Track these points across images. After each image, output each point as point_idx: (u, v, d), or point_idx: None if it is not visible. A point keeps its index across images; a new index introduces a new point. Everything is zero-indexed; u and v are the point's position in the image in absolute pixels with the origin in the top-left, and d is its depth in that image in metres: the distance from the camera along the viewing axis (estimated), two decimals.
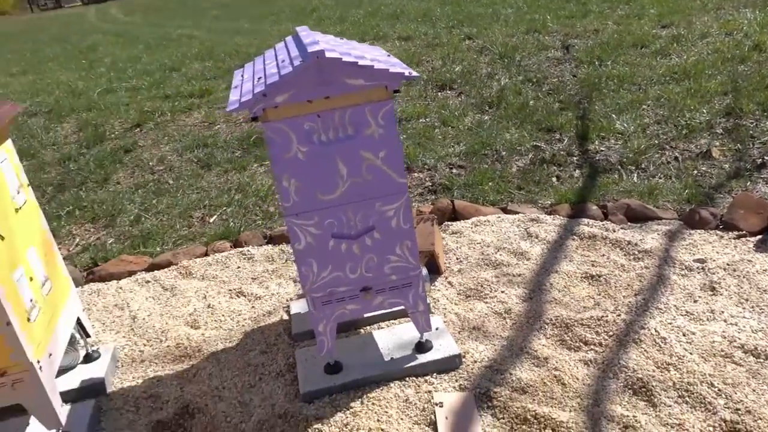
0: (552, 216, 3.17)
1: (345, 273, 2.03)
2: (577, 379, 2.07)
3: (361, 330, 2.44)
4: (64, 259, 2.39)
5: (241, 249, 3.25)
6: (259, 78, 1.90)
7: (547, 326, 2.34)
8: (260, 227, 3.52)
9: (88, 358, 2.37)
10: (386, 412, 2.00)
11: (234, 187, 4.07)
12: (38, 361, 1.88)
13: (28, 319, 1.90)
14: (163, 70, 7.87)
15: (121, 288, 3.00)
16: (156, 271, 3.13)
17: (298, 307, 2.62)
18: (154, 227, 3.65)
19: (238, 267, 3.08)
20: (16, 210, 2.02)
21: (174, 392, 2.24)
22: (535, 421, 1.90)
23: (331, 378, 2.15)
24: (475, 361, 2.19)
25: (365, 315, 2.31)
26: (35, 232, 2.14)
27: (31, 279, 1.99)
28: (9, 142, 2.13)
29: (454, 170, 3.88)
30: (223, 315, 2.70)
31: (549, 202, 3.36)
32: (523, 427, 1.89)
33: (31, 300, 1.95)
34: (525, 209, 3.28)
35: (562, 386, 2.04)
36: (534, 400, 1.99)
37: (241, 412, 2.11)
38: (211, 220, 3.70)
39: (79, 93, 7.09)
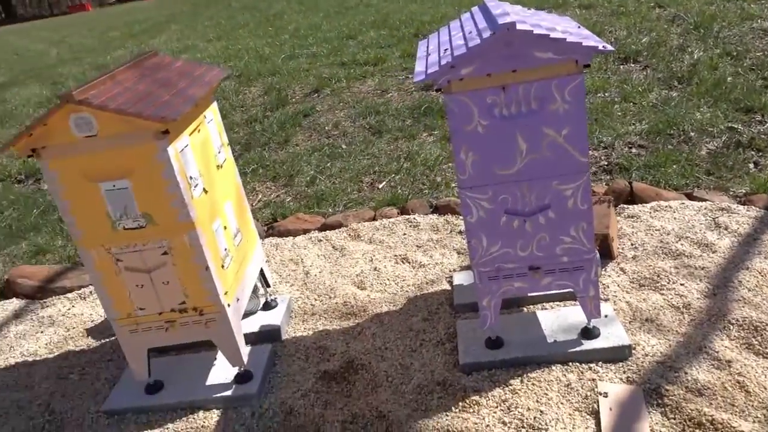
0: (746, 206, 2.86)
1: (515, 250, 2.01)
2: (765, 388, 1.88)
3: (525, 308, 2.41)
4: None
5: (407, 216, 3.33)
6: (446, 49, 1.91)
7: (731, 326, 2.14)
8: (426, 196, 3.58)
9: (267, 306, 2.59)
10: (546, 394, 1.97)
11: (403, 155, 4.16)
12: (228, 305, 2.09)
13: (222, 266, 2.11)
14: (340, 37, 8.17)
15: (296, 244, 3.23)
16: (327, 231, 3.32)
17: (461, 278, 2.64)
18: (327, 189, 3.86)
19: (404, 234, 3.17)
20: (218, 167, 2.24)
21: (340, 347, 2.38)
22: (711, 426, 1.76)
23: (492, 353, 2.15)
24: (646, 355, 2.07)
25: (530, 294, 2.27)
26: (231, 188, 2.35)
27: (225, 229, 2.21)
28: (215, 104, 2.35)
29: (633, 150, 3.64)
30: (388, 279, 2.80)
31: (743, 191, 3.04)
32: (697, 431, 1.77)
33: (225, 249, 2.16)
34: (714, 197, 2.99)
35: (746, 393, 1.87)
36: (711, 404, 1.85)
37: (401, 374, 2.19)
38: (380, 186, 3.83)
39: (266, 58, 7.60)
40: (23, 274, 3.18)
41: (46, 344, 2.67)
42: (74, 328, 2.76)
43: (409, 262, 2.91)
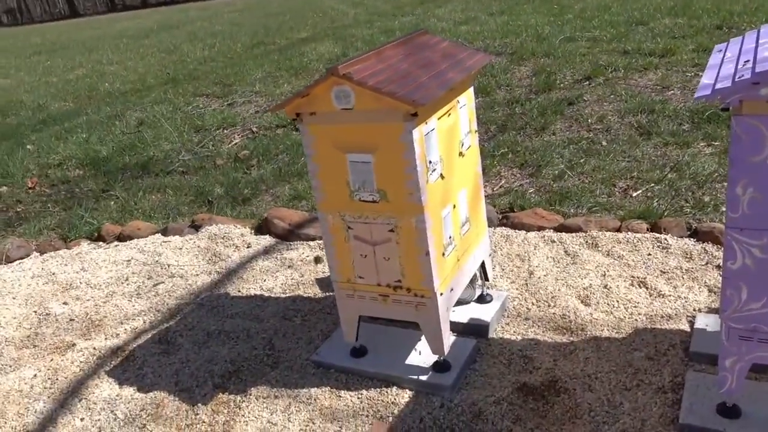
0: None
1: None
2: None
3: None
4: (486, 197, 2.54)
5: (657, 235, 2.97)
6: (746, 61, 1.59)
7: None
8: (687, 216, 3.15)
9: (481, 299, 2.53)
10: None
11: (670, 164, 3.70)
12: (441, 294, 2.08)
13: (443, 254, 2.09)
14: (629, 22, 7.54)
15: (527, 240, 3.09)
16: (563, 233, 3.11)
17: (706, 322, 2.27)
18: (574, 187, 3.61)
19: (649, 254, 2.83)
20: (460, 154, 2.20)
21: (547, 362, 2.23)
22: None
23: (723, 421, 1.82)
24: None
25: None
26: (470, 176, 2.31)
27: (454, 217, 2.18)
28: (471, 90, 2.30)
29: None
30: (617, 300, 2.54)
31: None
32: None
33: (450, 237, 2.14)
34: None
35: None
36: None
37: (607, 412, 1.98)
38: (634, 195, 3.47)
39: (543, 38, 7.35)
40: (279, 215, 3.56)
41: (282, 284, 2.97)
42: (307, 275, 3.02)
43: (647, 288, 2.59)
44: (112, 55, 13.27)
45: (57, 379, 2.47)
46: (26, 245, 3.73)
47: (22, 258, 3.61)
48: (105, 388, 2.38)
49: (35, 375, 2.50)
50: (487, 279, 2.54)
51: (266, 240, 3.44)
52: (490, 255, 2.56)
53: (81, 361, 2.56)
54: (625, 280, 2.66)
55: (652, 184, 3.53)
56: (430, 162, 1.98)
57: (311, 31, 12.12)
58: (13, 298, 3.14)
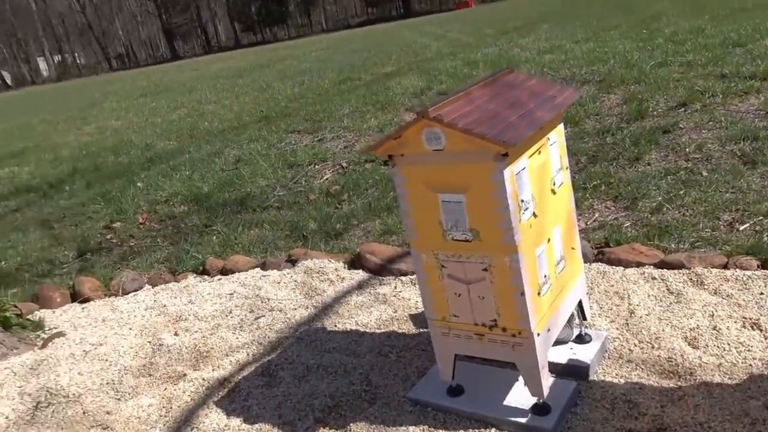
0: None
1: None
2: None
3: None
4: (579, 231, 2.49)
5: None
6: None
7: None
8: None
9: (580, 339, 2.47)
10: None
11: None
12: (538, 334, 2.05)
13: (539, 293, 2.08)
14: (725, 45, 7.24)
15: (625, 276, 2.99)
16: (664, 270, 3.00)
17: None
18: (674, 221, 3.48)
19: (761, 293, 2.68)
20: (552, 191, 2.19)
21: (653, 408, 2.14)
22: None
23: None
24: None
25: None
26: (563, 213, 2.29)
27: (548, 255, 2.16)
28: (560, 126, 2.30)
29: None
30: (728, 343, 2.41)
31: None
32: None
33: (545, 276, 2.12)
34: None
35: None
36: None
37: None
38: (741, 228, 3.30)
39: (633, 64, 7.17)
40: (371, 250, 3.64)
41: (376, 320, 3.02)
42: (400, 310, 3.06)
43: (761, 330, 2.45)
44: (210, 94, 14.09)
45: (171, 407, 2.62)
46: (139, 278, 4.00)
47: (136, 290, 3.87)
48: (214, 418, 2.50)
49: (151, 403, 2.67)
50: (585, 318, 2.48)
51: (359, 275, 3.52)
52: (587, 293, 2.50)
53: (192, 391, 2.70)
54: (735, 321, 2.53)
55: (761, 217, 3.34)
56: (522, 201, 1.98)
57: (395, 65, 12.38)
58: (130, 329, 3.36)
